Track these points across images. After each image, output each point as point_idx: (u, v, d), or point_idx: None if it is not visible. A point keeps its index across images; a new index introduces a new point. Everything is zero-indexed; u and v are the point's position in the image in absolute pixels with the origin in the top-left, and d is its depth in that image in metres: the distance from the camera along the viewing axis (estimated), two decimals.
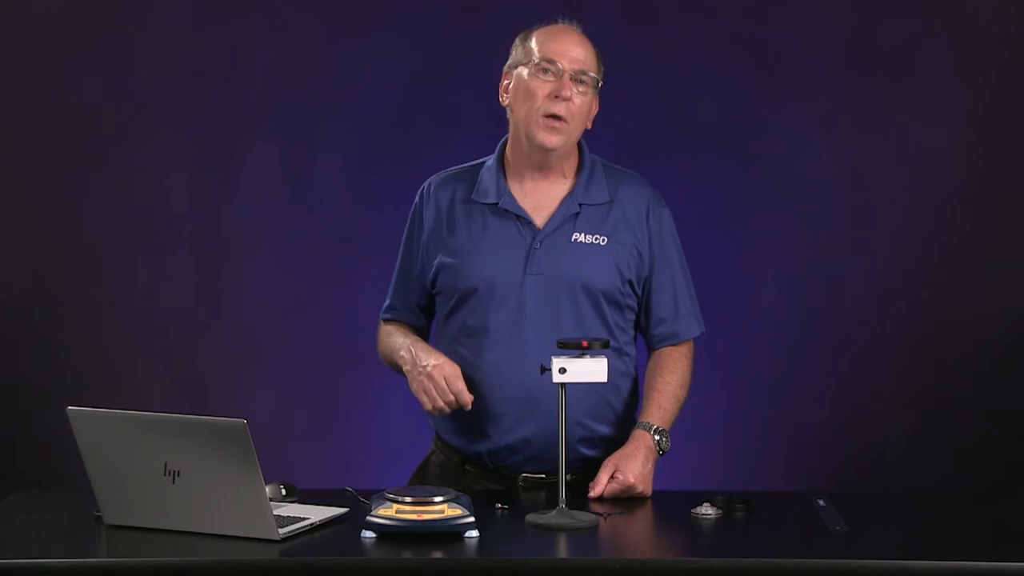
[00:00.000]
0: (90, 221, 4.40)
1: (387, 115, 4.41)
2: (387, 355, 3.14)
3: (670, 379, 3.07)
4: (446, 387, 2.92)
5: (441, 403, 2.93)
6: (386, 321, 3.19)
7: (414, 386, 2.98)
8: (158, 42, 4.39)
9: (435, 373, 2.93)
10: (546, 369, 2.71)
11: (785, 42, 4.39)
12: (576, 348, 2.71)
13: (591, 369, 2.70)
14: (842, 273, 4.42)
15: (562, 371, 2.69)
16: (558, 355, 2.71)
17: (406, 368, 3.01)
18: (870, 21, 4.37)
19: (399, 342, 3.07)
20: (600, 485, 2.88)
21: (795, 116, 4.39)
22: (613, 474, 2.89)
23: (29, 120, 4.39)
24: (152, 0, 4.40)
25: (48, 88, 4.37)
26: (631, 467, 2.89)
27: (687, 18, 4.38)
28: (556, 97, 2.96)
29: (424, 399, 2.95)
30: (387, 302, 3.19)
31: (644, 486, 2.90)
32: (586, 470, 2.97)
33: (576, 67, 2.98)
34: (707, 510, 2.76)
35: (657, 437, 2.97)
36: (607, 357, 2.73)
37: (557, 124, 2.97)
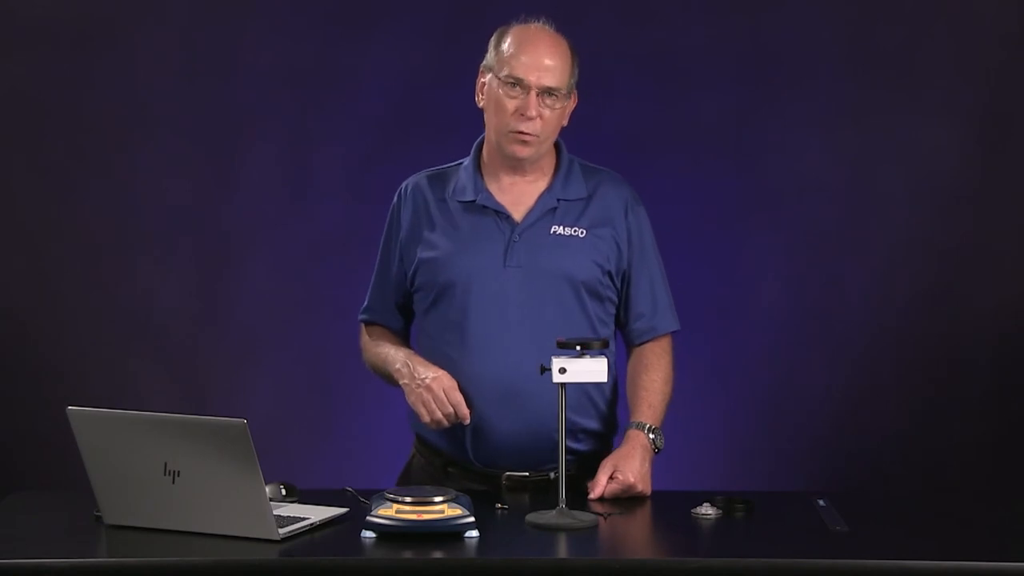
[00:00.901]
0: (90, 221, 4.40)
1: (387, 115, 4.41)
2: (377, 364, 3.13)
3: (655, 376, 3.07)
4: (445, 399, 2.93)
5: (439, 415, 2.93)
6: (367, 324, 3.20)
7: (412, 399, 2.98)
8: (158, 42, 4.39)
9: (434, 386, 2.94)
10: (546, 369, 2.71)
11: (785, 42, 4.38)
12: (576, 348, 2.71)
13: (591, 369, 2.70)
14: (842, 273, 4.42)
15: (562, 371, 2.69)
16: (558, 355, 2.71)
17: (403, 381, 3.01)
18: (870, 21, 4.37)
19: (392, 354, 3.07)
20: (600, 486, 2.88)
21: (795, 116, 4.39)
22: (612, 474, 2.89)
23: (29, 121, 4.39)
24: (152, 0, 4.40)
25: (48, 89, 4.37)
26: (630, 467, 2.90)
27: (687, 18, 4.38)
28: (523, 115, 2.96)
29: (423, 411, 2.95)
30: (365, 303, 3.20)
31: (643, 485, 2.90)
32: (576, 465, 2.97)
33: (544, 84, 2.96)
34: (707, 510, 2.76)
35: (652, 436, 2.98)
36: (606, 357, 2.73)
37: (527, 136, 2.98)
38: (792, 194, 4.40)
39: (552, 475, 2.91)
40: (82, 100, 4.38)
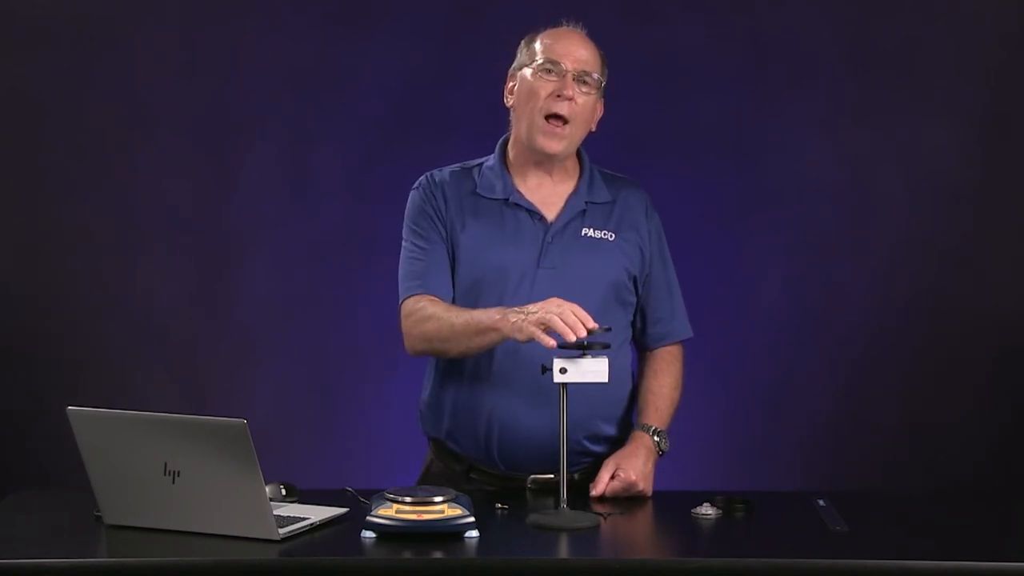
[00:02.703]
0: (90, 221, 4.39)
1: (387, 115, 4.41)
2: (454, 326, 2.91)
3: (664, 381, 3.09)
4: (570, 310, 2.73)
5: (573, 318, 2.70)
6: (418, 298, 2.99)
7: (532, 330, 2.74)
8: (158, 42, 4.39)
9: (548, 305, 2.75)
10: (547, 369, 2.71)
11: (785, 42, 4.39)
12: (577, 348, 2.71)
13: (591, 369, 2.70)
14: (842, 273, 4.42)
15: (562, 371, 2.69)
16: (559, 355, 2.71)
17: (512, 319, 2.78)
18: (870, 21, 4.37)
19: (477, 312, 2.88)
20: (602, 484, 2.88)
21: (795, 116, 4.39)
22: (614, 473, 2.89)
23: (29, 121, 4.39)
24: (151, 1, 4.40)
25: (48, 89, 4.37)
26: (633, 465, 2.90)
27: (687, 18, 4.39)
28: (559, 96, 2.97)
29: (561, 328, 2.71)
30: (413, 280, 3.00)
31: (645, 484, 2.91)
32: (593, 467, 2.97)
33: (579, 67, 2.98)
34: (707, 510, 2.76)
35: (656, 438, 2.99)
36: (608, 357, 2.72)
37: (558, 129, 2.98)
38: (792, 194, 4.40)
39: (576, 476, 2.91)
40: (82, 100, 4.38)
